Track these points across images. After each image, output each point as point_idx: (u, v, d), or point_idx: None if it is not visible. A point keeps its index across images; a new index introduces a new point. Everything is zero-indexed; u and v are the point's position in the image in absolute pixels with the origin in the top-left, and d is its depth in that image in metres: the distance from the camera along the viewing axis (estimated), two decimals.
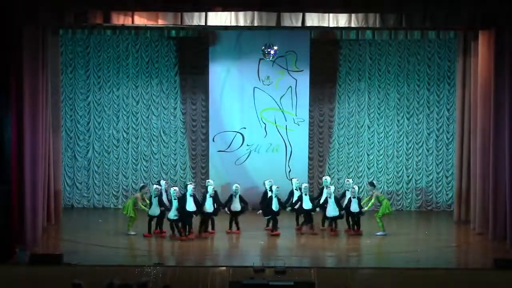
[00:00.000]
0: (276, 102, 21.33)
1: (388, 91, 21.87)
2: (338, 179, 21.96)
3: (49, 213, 18.88)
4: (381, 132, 21.97)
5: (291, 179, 19.42)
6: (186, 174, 21.95)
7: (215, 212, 18.14)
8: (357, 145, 22.06)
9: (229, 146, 21.40)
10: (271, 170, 20.55)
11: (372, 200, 18.57)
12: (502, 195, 17.16)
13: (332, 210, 18.21)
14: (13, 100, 16.20)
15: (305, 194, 18.27)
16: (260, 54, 18.94)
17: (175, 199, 17.75)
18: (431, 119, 21.85)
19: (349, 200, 18.32)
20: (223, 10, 16.89)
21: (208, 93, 21.47)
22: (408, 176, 22.00)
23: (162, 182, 18.72)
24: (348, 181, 19.14)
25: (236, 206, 18.28)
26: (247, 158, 21.40)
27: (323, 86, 21.88)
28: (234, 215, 18.44)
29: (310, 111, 21.59)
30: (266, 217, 18.32)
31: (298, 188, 18.59)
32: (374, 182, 19.45)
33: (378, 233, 18.33)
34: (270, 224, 18.31)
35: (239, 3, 16.78)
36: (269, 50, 18.57)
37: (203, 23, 17.05)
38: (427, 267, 15.12)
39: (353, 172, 22.02)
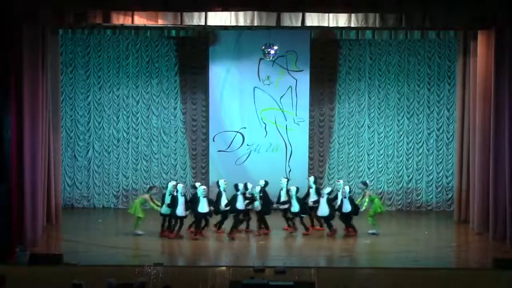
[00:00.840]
0: (276, 102, 21.34)
1: (388, 91, 21.88)
2: (338, 179, 21.93)
3: (49, 213, 18.88)
4: (381, 132, 21.97)
5: (282, 179, 19.19)
6: (186, 174, 21.96)
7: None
8: (357, 145, 22.06)
9: (229, 146, 21.41)
10: (271, 170, 20.54)
11: (367, 200, 18.55)
12: (502, 195, 17.16)
13: (324, 210, 18.17)
14: (13, 100, 16.20)
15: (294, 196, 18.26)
16: (260, 54, 18.93)
17: (182, 195, 17.80)
18: (431, 119, 21.86)
19: (341, 201, 18.23)
20: (223, 10, 16.89)
21: (208, 93, 21.47)
22: (408, 176, 21.99)
23: (179, 186, 18.41)
24: (338, 181, 19.05)
25: (241, 204, 18.20)
26: (247, 158, 21.40)
27: (323, 86, 21.89)
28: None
29: (310, 111, 21.59)
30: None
31: (287, 190, 18.55)
32: (367, 181, 19.45)
33: (370, 231, 18.33)
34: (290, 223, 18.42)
35: (239, 3, 16.79)
36: (269, 50, 18.56)
37: (203, 23, 17.04)
38: (427, 267, 15.12)
39: (353, 172, 22.02)
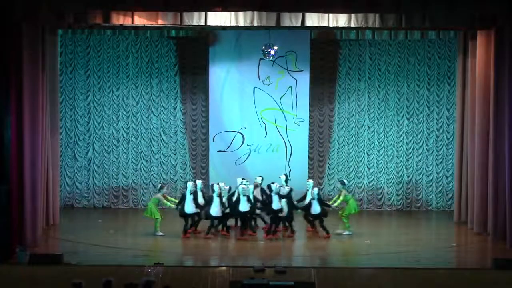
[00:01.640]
0: (276, 102, 21.35)
1: (388, 91, 21.89)
2: (338, 179, 21.96)
3: (48, 213, 18.88)
4: (381, 132, 21.98)
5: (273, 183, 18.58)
6: (186, 174, 21.97)
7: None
8: (357, 145, 22.07)
9: (229, 146, 21.42)
10: (271, 170, 20.53)
11: (341, 198, 18.38)
12: (502, 195, 17.15)
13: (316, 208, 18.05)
14: (13, 100, 16.18)
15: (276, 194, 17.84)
16: (260, 54, 18.95)
17: (218, 196, 17.73)
18: (431, 119, 21.87)
19: (310, 202, 17.87)
20: (223, 10, 16.88)
21: (208, 93, 21.48)
22: (408, 176, 22.00)
23: (198, 182, 18.50)
24: (308, 181, 18.75)
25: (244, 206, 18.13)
26: (247, 158, 21.41)
27: (323, 86, 21.91)
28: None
29: (310, 111, 21.61)
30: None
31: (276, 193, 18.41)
32: (344, 181, 19.40)
33: (344, 233, 18.15)
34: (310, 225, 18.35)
35: (239, 3, 16.78)
36: (269, 50, 18.57)
37: (203, 23, 17.02)
38: (427, 267, 15.11)
39: (353, 172, 22.04)
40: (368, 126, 22.00)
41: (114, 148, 21.95)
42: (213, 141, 21.46)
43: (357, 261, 16.21)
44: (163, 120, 21.95)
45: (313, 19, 16.97)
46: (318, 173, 21.93)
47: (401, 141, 22.00)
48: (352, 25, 17.05)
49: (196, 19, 16.95)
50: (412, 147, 21.97)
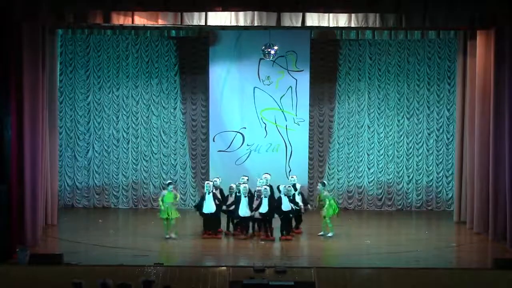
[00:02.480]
0: (276, 102, 21.35)
1: (388, 91, 21.89)
2: (338, 179, 21.99)
3: (47, 213, 18.88)
4: (381, 132, 21.98)
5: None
6: (186, 174, 21.97)
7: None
8: (357, 145, 22.07)
9: (229, 146, 21.42)
10: (271, 170, 20.47)
11: (319, 198, 18.31)
12: (502, 195, 17.16)
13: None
14: (13, 100, 16.19)
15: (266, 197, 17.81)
16: (260, 54, 18.93)
17: (245, 196, 17.65)
18: (431, 119, 21.87)
19: (279, 198, 17.71)
20: (223, 10, 16.88)
21: (208, 93, 21.48)
22: (408, 176, 22.00)
23: (217, 179, 18.44)
24: (265, 177, 18.57)
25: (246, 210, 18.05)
26: (247, 158, 21.41)
27: (323, 86, 21.91)
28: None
29: (310, 111, 21.61)
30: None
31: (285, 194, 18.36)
32: (325, 182, 19.38)
33: (328, 234, 18.04)
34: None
35: (239, 3, 16.78)
36: (269, 50, 18.56)
37: (203, 23, 17.03)
38: (427, 267, 15.11)
39: (353, 172, 22.03)
40: (368, 126, 22.00)
41: (114, 148, 21.96)
42: (213, 141, 21.46)
43: (357, 261, 16.20)
44: (163, 120, 21.96)
45: (313, 19, 16.97)
46: (318, 173, 21.93)
47: (401, 141, 21.99)
48: (352, 25, 17.05)
49: (196, 19, 16.96)
50: (412, 147, 21.97)
